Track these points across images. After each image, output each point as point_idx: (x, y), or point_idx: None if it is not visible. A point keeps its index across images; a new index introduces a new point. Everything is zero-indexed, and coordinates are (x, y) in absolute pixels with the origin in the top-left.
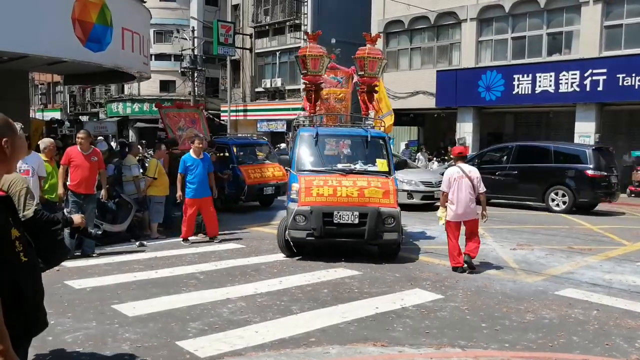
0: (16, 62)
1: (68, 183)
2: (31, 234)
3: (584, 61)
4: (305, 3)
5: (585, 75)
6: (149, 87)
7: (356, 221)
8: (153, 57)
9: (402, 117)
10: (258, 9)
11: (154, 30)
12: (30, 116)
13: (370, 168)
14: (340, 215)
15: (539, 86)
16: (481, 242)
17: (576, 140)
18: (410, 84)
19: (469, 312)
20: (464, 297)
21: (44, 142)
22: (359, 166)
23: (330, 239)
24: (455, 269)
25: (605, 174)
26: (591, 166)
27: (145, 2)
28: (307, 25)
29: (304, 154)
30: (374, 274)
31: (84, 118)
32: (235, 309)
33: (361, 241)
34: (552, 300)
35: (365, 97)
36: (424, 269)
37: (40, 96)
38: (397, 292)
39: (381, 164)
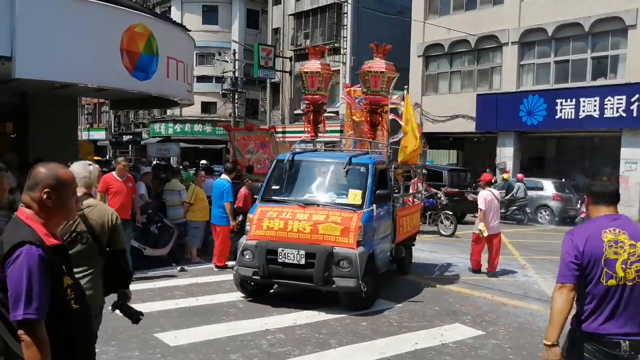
0: (66, 90)
1: None
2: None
3: (630, 86)
4: (345, 27)
5: (632, 100)
6: (191, 108)
7: (302, 261)
8: (195, 79)
9: (442, 140)
10: (298, 33)
11: (196, 53)
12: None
13: (339, 200)
14: (285, 254)
15: (583, 111)
16: (523, 273)
17: (622, 166)
18: (449, 107)
19: (512, 351)
20: (506, 334)
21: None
22: (326, 197)
23: (276, 281)
24: (475, 271)
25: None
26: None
27: (189, 30)
28: (346, 48)
29: (274, 181)
30: (413, 306)
31: (127, 138)
32: (274, 340)
33: (310, 286)
34: None
35: (370, 118)
36: (464, 302)
37: (86, 116)
38: (436, 326)
39: (353, 196)
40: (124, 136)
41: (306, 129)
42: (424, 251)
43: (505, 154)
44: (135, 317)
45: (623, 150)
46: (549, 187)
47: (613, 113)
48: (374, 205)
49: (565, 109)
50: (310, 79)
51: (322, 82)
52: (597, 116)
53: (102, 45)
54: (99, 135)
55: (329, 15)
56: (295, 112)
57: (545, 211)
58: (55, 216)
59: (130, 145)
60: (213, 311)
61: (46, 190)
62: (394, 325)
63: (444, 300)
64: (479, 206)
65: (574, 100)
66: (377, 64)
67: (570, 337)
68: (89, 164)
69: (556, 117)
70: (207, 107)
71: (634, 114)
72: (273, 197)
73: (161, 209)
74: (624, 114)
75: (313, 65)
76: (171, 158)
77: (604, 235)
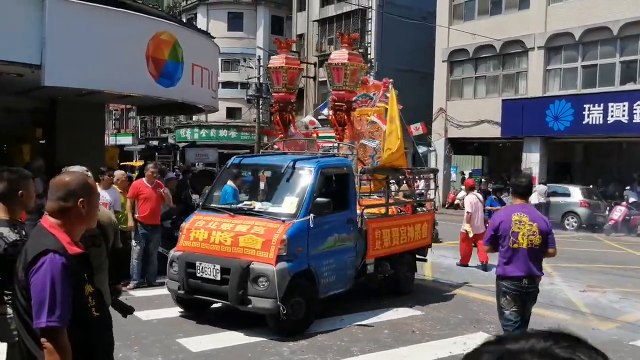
0: (93, 96)
1: (136, 215)
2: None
3: None
4: (369, 32)
5: None
6: (216, 114)
7: (218, 277)
8: (220, 84)
9: (467, 146)
10: (322, 39)
11: (221, 59)
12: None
13: (274, 208)
14: (202, 268)
15: (612, 116)
16: (549, 282)
17: None
18: (474, 112)
19: None
20: None
21: (117, 174)
22: (262, 204)
23: (196, 297)
24: (463, 265)
25: None
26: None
27: (214, 38)
28: (371, 54)
29: (217, 187)
30: (436, 314)
31: (154, 142)
32: (296, 347)
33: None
34: (627, 352)
35: (335, 117)
36: (488, 310)
37: (114, 121)
38: (459, 335)
39: (288, 204)
40: (150, 141)
41: (275, 131)
42: (447, 257)
43: (531, 160)
44: (126, 311)
45: None
46: (576, 194)
47: None
48: (311, 215)
49: (593, 114)
50: (274, 75)
51: (287, 77)
52: (626, 121)
53: (128, 53)
54: (126, 140)
55: (353, 21)
56: (319, 117)
57: (572, 218)
58: (81, 224)
59: (173, 151)
60: (236, 317)
61: (81, 200)
62: (416, 333)
63: (468, 309)
64: (466, 209)
65: (602, 105)
66: (340, 55)
67: (496, 279)
68: (86, 170)
69: (583, 122)
70: (232, 112)
71: None
72: (211, 205)
73: (186, 213)
74: None
75: (277, 60)
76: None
77: (513, 217)
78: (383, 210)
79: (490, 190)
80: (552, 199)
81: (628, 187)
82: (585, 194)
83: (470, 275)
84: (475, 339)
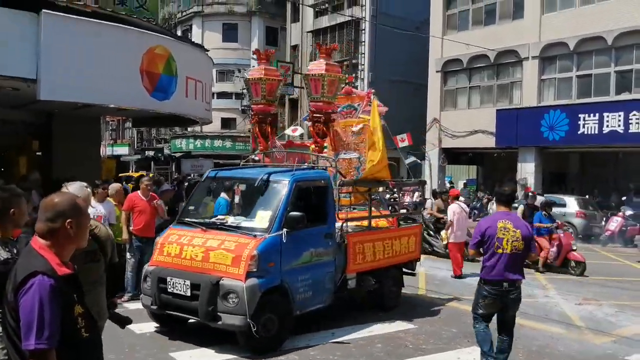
0: (89, 109)
1: (131, 228)
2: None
3: None
4: (363, 43)
5: None
6: (211, 124)
7: (188, 293)
8: (215, 95)
9: (461, 156)
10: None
11: (216, 70)
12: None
13: (247, 222)
14: (173, 283)
15: (607, 126)
16: (544, 294)
17: None
18: (468, 122)
19: None
20: (524, 358)
21: (113, 187)
22: (236, 219)
23: (168, 313)
24: (458, 277)
25: None
26: None
27: (208, 50)
28: (364, 65)
29: (194, 200)
30: (429, 327)
31: (150, 153)
32: None
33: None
34: None
35: (313, 129)
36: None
37: (110, 132)
38: (453, 349)
39: (260, 218)
40: (146, 152)
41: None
42: (441, 269)
43: (527, 170)
44: (124, 322)
45: None
46: (572, 204)
47: (638, 128)
48: (284, 230)
49: (588, 124)
50: (253, 87)
51: (266, 89)
52: (621, 131)
53: (122, 67)
54: (123, 150)
55: (347, 31)
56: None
57: (569, 228)
58: (71, 245)
59: (170, 162)
60: (230, 331)
61: (69, 221)
62: (409, 347)
63: (462, 322)
64: (449, 218)
65: (597, 115)
66: (317, 66)
67: (478, 282)
68: (86, 186)
69: (579, 132)
70: (226, 123)
71: None
72: (186, 219)
73: None
74: None
75: (256, 71)
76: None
77: (498, 224)
78: (376, 223)
79: (539, 205)
80: None
81: (624, 198)
82: (581, 205)
83: (465, 288)
84: (468, 353)
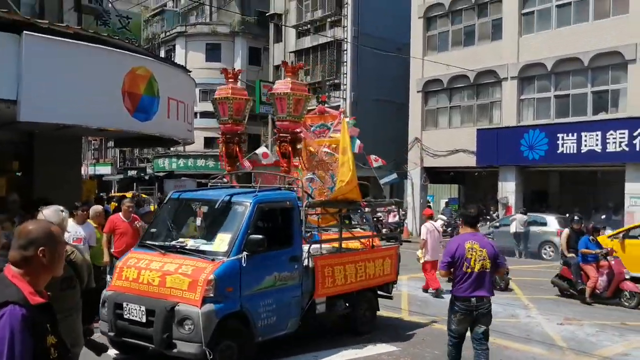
0: (70, 130)
1: (112, 250)
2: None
3: (633, 120)
4: (345, 63)
5: (635, 134)
6: (194, 144)
7: (144, 319)
8: (198, 114)
9: (442, 175)
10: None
11: (199, 90)
12: (83, 172)
13: (206, 245)
14: (129, 309)
15: (585, 145)
16: (526, 314)
17: (627, 201)
18: (449, 142)
19: None
20: None
21: (94, 209)
22: (193, 242)
23: (124, 340)
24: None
25: None
26: None
27: (190, 71)
28: (346, 84)
29: (157, 223)
30: (412, 350)
31: (132, 172)
32: None
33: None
34: None
35: (279, 149)
36: (465, 344)
37: (92, 151)
38: None
39: (220, 241)
40: (128, 171)
41: (225, 164)
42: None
43: (507, 189)
44: (100, 350)
45: (627, 185)
46: (552, 223)
47: (616, 147)
48: (244, 253)
49: (567, 144)
50: (220, 106)
51: (234, 108)
52: (599, 150)
53: (104, 88)
54: (105, 170)
55: (329, 52)
56: (298, 146)
57: (550, 247)
58: (45, 274)
59: (155, 182)
60: None
61: (42, 249)
62: None
63: (444, 343)
64: (421, 236)
65: (575, 134)
66: (283, 85)
67: (450, 299)
68: (62, 210)
69: (558, 151)
70: (209, 142)
71: (637, 148)
72: (147, 242)
73: None
74: (626, 148)
75: (223, 90)
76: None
77: (466, 245)
78: (352, 245)
79: (585, 230)
80: (529, 228)
81: (604, 217)
82: (561, 223)
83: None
84: None
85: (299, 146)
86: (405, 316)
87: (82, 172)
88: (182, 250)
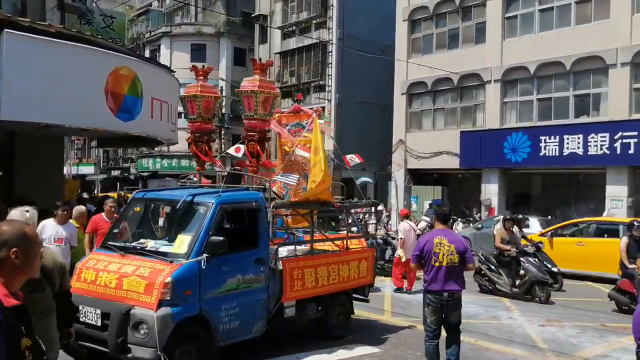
0: (52, 129)
1: (94, 250)
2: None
3: (613, 123)
4: (330, 65)
5: (615, 137)
6: (178, 144)
7: (99, 322)
8: (182, 115)
9: (426, 177)
10: (284, 70)
11: (184, 90)
12: (66, 172)
13: (163, 247)
14: (85, 312)
15: (567, 148)
16: (508, 316)
17: (607, 204)
18: (433, 144)
19: None
20: None
21: (77, 210)
22: (153, 243)
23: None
24: (398, 289)
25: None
26: None
27: (174, 72)
28: (331, 86)
29: (119, 223)
30: (394, 351)
31: (116, 172)
32: None
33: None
34: None
35: (247, 148)
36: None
37: (76, 151)
38: None
39: (180, 243)
40: (112, 171)
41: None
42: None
43: (490, 191)
44: (79, 357)
45: (608, 188)
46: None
47: (597, 150)
48: (204, 255)
49: (549, 146)
50: (189, 104)
51: (202, 106)
52: (581, 153)
53: (87, 87)
54: (88, 170)
55: (314, 53)
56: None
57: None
58: (20, 275)
59: (139, 182)
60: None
61: (14, 250)
62: None
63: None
64: (400, 235)
65: (557, 137)
66: (250, 82)
67: (423, 293)
68: (27, 210)
69: (540, 154)
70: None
71: (618, 151)
72: (108, 243)
73: None
74: (607, 152)
75: (192, 88)
76: None
77: (435, 240)
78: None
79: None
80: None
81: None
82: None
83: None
84: None
85: (288, 147)
86: (387, 318)
87: (65, 171)
88: (142, 252)
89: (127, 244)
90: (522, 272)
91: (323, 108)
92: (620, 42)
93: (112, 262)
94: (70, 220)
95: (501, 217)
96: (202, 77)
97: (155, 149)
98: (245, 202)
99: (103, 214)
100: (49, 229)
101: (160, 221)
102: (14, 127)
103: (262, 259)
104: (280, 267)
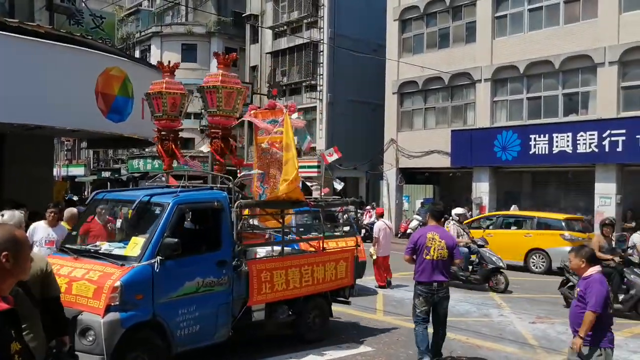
0: (41, 130)
1: None
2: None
3: (602, 122)
4: (321, 64)
5: (604, 135)
6: None
7: None
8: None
9: (417, 175)
10: (275, 71)
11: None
12: (55, 173)
13: (117, 250)
14: None
15: (556, 146)
16: (499, 313)
17: (596, 201)
18: (424, 143)
19: None
20: None
21: (68, 211)
22: (107, 246)
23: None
24: (381, 287)
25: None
26: None
27: None
28: (322, 85)
29: (79, 225)
30: (387, 350)
31: (106, 174)
32: None
33: None
34: None
35: (211, 145)
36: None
37: (65, 152)
38: None
39: (133, 245)
40: (102, 172)
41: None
42: (399, 290)
43: (481, 189)
44: None
45: (597, 186)
46: None
47: (586, 148)
48: (158, 258)
49: (539, 145)
50: (154, 102)
51: (168, 104)
52: (570, 151)
53: (77, 88)
54: (78, 171)
55: (306, 53)
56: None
57: None
58: (10, 278)
59: (130, 183)
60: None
61: (4, 253)
62: None
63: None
64: (374, 234)
65: (547, 135)
66: (213, 77)
67: (414, 286)
68: (22, 211)
69: (530, 152)
70: (185, 143)
71: (606, 150)
72: (65, 246)
73: None
74: (596, 150)
75: (157, 84)
76: None
77: (428, 235)
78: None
79: None
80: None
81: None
82: None
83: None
84: None
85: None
86: (380, 316)
87: (55, 173)
88: (95, 255)
89: (82, 246)
90: (625, 285)
91: (314, 108)
92: (608, 41)
93: (64, 266)
94: (62, 223)
95: (454, 213)
96: (167, 74)
97: (146, 149)
98: (205, 202)
99: (96, 216)
100: (40, 232)
101: (118, 222)
102: (2, 129)
103: (225, 261)
104: (246, 269)
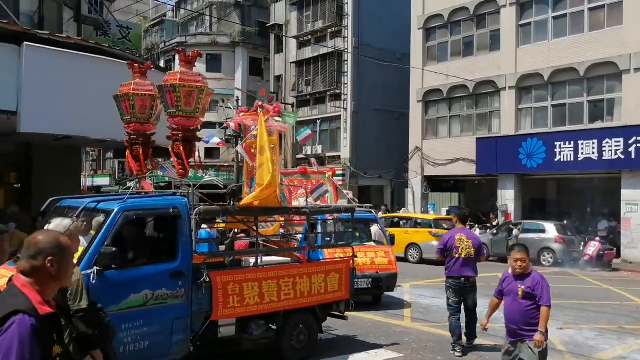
0: (69, 140)
1: None
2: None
3: (628, 128)
4: (346, 74)
5: (630, 142)
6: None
7: None
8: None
9: (443, 183)
10: (300, 80)
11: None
12: (82, 184)
13: None
14: None
15: (582, 153)
16: None
17: (623, 208)
18: (450, 151)
19: None
20: None
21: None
22: None
23: None
24: None
25: None
26: None
27: None
28: (347, 94)
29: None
30: (416, 356)
31: (131, 184)
32: None
33: None
34: None
35: (172, 149)
36: (467, 350)
37: (91, 163)
38: None
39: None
40: (127, 182)
41: (134, 167)
42: (426, 297)
43: (507, 197)
44: None
45: (623, 192)
46: (551, 230)
47: (612, 155)
48: (95, 268)
49: (564, 152)
50: (123, 105)
51: (137, 106)
52: (595, 158)
53: (104, 99)
54: (103, 181)
55: (330, 62)
56: (298, 156)
57: (548, 254)
58: (54, 283)
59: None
60: None
61: (49, 258)
62: None
63: (448, 349)
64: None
65: (572, 142)
66: (171, 76)
67: (446, 280)
68: (64, 220)
69: (555, 159)
70: (210, 152)
71: (633, 156)
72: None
73: None
74: (622, 156)
75: (125, 86)
76: None
77: (456, 236)
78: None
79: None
80: (528, 236)
81: (603, 223)
82: (559, 230)
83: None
84: None
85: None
86: (407, 323)
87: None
88: None
89: None
90: None
91: (339, 117)
92: (633, 48)
93: (4, 277)
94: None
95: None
96: (138, 75)
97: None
98: (158, 209)
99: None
100: None
101: None
102: (30, 139)
103: (182, 272)
104: (209, 281)
